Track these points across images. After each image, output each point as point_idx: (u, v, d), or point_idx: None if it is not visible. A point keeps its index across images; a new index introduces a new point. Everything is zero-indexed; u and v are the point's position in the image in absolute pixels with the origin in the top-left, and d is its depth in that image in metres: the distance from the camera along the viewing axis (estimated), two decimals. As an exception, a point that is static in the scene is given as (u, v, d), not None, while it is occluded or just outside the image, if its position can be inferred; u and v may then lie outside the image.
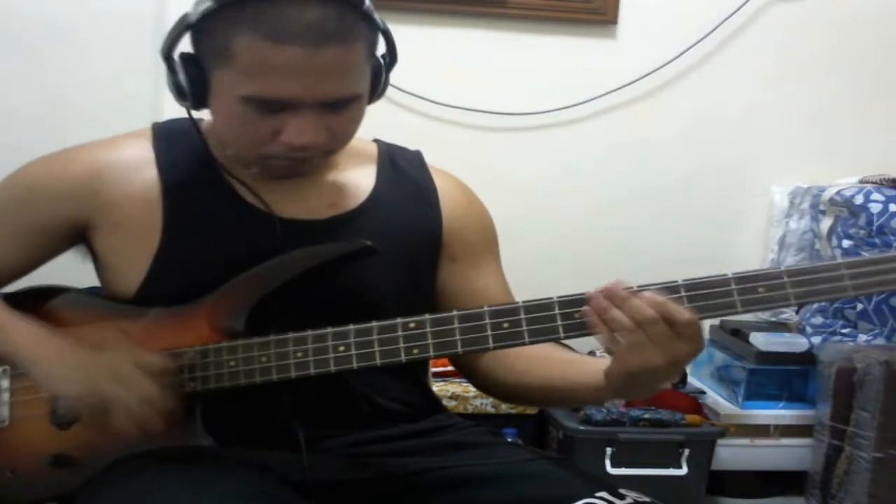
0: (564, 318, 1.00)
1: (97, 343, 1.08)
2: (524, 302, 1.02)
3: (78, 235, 1.18)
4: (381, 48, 1.15)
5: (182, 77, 1.08)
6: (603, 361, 1.08)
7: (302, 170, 1.14)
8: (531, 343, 1.01)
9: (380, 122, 1.24)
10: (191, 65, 1.08)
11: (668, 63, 2.49)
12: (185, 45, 1.10)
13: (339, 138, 1.12)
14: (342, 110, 1.08)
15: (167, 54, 1.09)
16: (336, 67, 1.04)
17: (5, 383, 1.16)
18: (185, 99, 1.10)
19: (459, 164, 1.33)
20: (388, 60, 1.16)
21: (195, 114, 1.16)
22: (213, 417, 1.08)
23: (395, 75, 2.51)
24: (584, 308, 0.99)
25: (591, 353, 2.07)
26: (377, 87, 1.15)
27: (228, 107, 1.07)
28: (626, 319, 0.96)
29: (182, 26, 1.07)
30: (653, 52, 2.49)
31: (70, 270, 1.22)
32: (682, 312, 0.95)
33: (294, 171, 1.14)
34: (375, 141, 1.28)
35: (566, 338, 1.01)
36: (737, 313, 0.98)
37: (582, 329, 1.00)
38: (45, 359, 1.09)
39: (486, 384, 1.23)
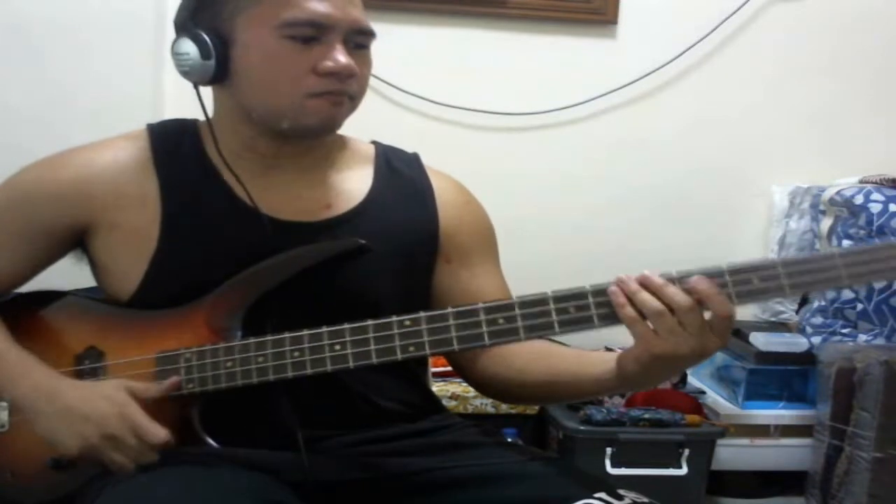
0: (559, 312, 1.00)
1: (101, 398, 1.06)
2: (519, 297, 1.02)
3: (77, 239, 1.18)
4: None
5: (206, 38, 1.10)
6: (607, 354, 1.08)
7: (335, 116, 1.13)
8: (527, 339, 1.01)
9: (380, 122, 1.24)
10: (210, 27, 1.10)
11: (668, 63, 2.49)
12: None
13: (361, 82, 1.14)
14: (362, 51, 1.13)
15: (186, 19, 1.12)
16: None
17: (5, 389, 1.16)
18: (208, 59, 1.10)
19: (459, 165, 1.33)
20: None
21: (192, 115, 1.16)
22: (211, 418, 1.09)
23: (396, 75, 2.52)
24: (611, 288, 0.99)
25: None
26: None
27: (263, 47, 1.09)
28: (658, 303, 0.96)
29: None
30: (653, 52, 2.49)
31: (68, 273, 1.22)
32: (724, 306, 0.96)
33: (330, 115, 1.13)
34: (373, 143, 1.28)
35: (562, 333, 1.01)
36: (731, 304, 0.98)
37: (577, 324, 1.00)
38: (44, 413, 1.08)
39: (484, 384, 1.23)
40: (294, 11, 1.08)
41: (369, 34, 1.13)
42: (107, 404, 1.05)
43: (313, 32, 1.08)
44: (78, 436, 1.04)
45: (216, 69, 1.11)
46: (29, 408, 1.09)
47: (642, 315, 0.97)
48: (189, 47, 1.11)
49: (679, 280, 0.98)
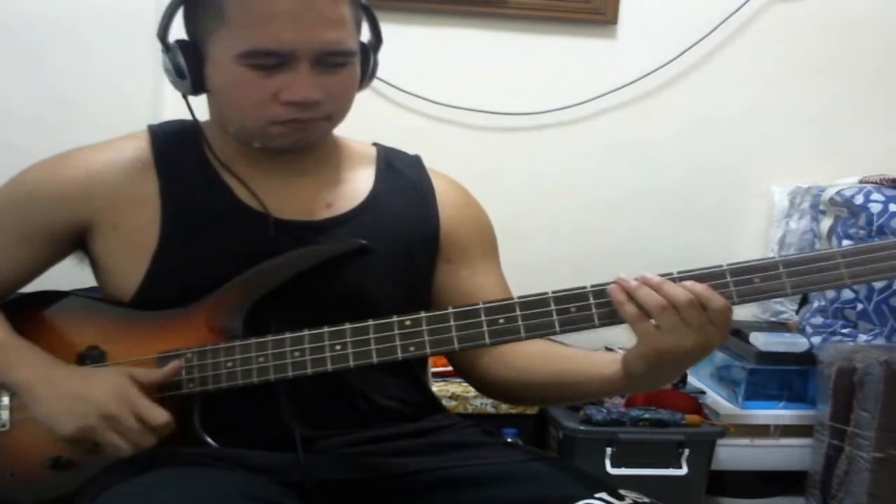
0: (560, 313, 1.00)
1: (102, 383, 1.07)
2: (519, 298, 1.02)
3: (78, 239, 1.18)
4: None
5: (180, 55, 1.10)
6: (613, 354, 1.08)
7: (306, 137, 1.13)
8: (527, 338, 1.02)
9: (380, 122, 1.24)
10: (186, 42, 1.11)
11: (668, 63, 2.49)
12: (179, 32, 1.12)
13: (336, 101, 1.12)
14: (336, 70, 1.09)
15: (163, 34, 1.12)
16: (327, 16, 1.06)
17: (5, 389, 1.16)
18: (183, 78, 1.11)
19: (459, 164, 1.33)
20: (374, 42, 1.17)
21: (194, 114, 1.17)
22: (211, 418, 1.09)
23: (396, 75, 2.52)
24: (611, 286, 0.99)
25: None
26: (367, 68, 1.16)
27: (227, 72, 1.08)
28: (659, 298, 0.97)
29: (176, 1, 1.10)
30: (653, 52, 2.49)
31: (69, 274, 1.22)
32: (718, 299, 0.96)
33: (297, 138, 1.12)
34: (375, 145, 1.28)
35: (562, 332, 1.01)
36: (733, 304, 0.98)
37: (577, 324, 1.00)
38: (43, 397, 1.08)
39: (485, 384, 1.23)
40: (254, 41, 1.05)
41: (344, 54, 1.09)
42: (106, 386, 1.05)
43: (276, 61, 1.06)
44: (76, 417, 1.04)
45: (193, 86, 1.12)
46: (28, 392, 1.09)
47: (644, 312, 0.98)
48: (168, 64, 1.13)
49: (677, 280, 0.98)
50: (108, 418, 1.03)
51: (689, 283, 0.97)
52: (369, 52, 1.16)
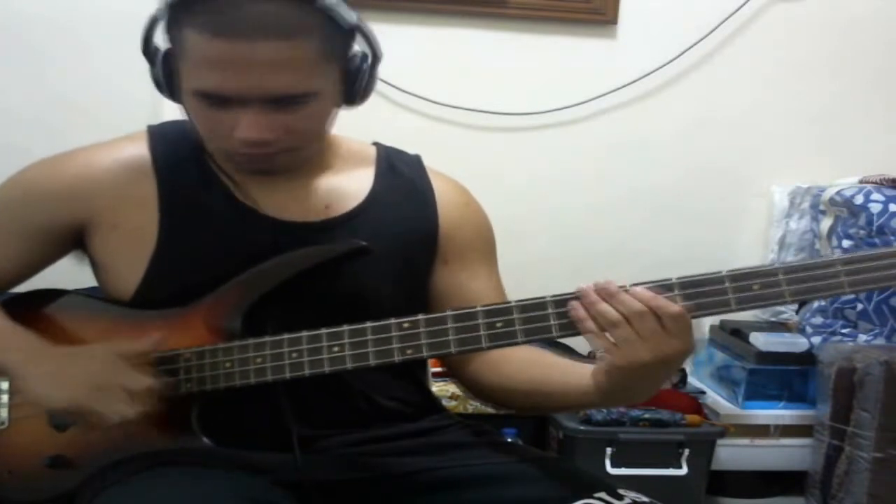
0: (558, 317, 1.00)
1: (89, 357, 1.08)
2: (518, 301, 1.01)
3: (76, 238, 1.18)
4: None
5: (158, 70, 1.09)
6: (589, 367, 1.07)
7: (268, 167, 1.12)
8: (525, 342, 1.01)
9: (379, 122, 1.23)
10: (165, 58, 1.09)
11: (668, 63, 2.49)
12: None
13: (300, 136, 1.10)
14: (295, 108, 1.05)
15: (145, 48, 1.10)
16: (276, 63, 1.01)
17: (4, 385, 1.16)
18: (162, 91, 1.11)
19: (459, 165, 1.33)
20: (372, 58, 1.12)
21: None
22: (210, 419, 1.09)
23: (396, 75, 2.52)
24: (573, 302, 0.98)
25: (591, 354, 2.07)
26: (356, 86, 1.11)
27: (189, 100, 1.08)
28: (614, 313, 0.96)
29: (151, 19, 1.08)
30: (653, 52, 2.49)
31: (69, 273, 1.22)
32: (672, 305, 0.95)
33: (260, 167, 1.12)
34: (375, 144, 1.28)
35: (560, 336, 1.01)
36: (731, 311, 0.97)
37: (576, 328, 0.99)
38: (33, 374, 1.09)
39: (474, 388, 1.22)
40: (201, 83, 1.03)
41: (297, 97, 1.04)
42: (92, 360, 1.07)
43: (226, 100, 1.04)
44: (67, 391, 1.06)
45: (173, 100, 1.11)
46: (21, 373, 1.10)
47: (602, 328, 0.97)
48: (151, 76, 1.11)
49: (628, 290, 0.97)
50: (96, 388, 1.04)
51: (638, 291, 0.96)
52: (361, 69, 1.10)
